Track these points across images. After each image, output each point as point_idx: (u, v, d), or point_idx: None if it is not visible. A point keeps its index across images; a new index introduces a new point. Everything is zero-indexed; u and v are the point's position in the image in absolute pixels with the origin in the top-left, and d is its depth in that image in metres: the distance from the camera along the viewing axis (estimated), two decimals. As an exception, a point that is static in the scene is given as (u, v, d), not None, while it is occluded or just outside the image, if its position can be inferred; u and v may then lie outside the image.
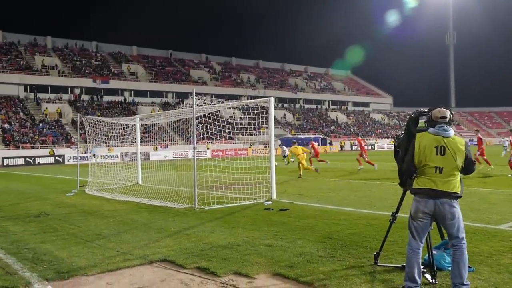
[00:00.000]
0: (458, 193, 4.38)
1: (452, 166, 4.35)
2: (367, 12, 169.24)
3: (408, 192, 5.11)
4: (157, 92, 76.07)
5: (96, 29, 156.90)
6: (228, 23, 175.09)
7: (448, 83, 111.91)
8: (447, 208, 4.35)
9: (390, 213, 5.47)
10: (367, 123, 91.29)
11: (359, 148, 24.01)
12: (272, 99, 11.87)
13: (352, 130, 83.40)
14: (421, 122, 4.73)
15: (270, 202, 11.33)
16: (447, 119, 4.44)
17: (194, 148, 10.84)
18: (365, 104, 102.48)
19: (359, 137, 27.52)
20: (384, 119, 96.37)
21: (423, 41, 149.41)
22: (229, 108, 14.09)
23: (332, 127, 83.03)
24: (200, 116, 12.20)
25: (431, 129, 4.44)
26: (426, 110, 4.67)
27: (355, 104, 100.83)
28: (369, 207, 10.18)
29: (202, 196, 11.62)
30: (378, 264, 5.41)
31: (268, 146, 12.52)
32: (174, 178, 15.31)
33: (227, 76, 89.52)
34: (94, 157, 44.72)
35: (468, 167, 4.41)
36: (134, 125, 18.32)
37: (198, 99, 11.53)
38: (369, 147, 65.82)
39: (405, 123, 4.85)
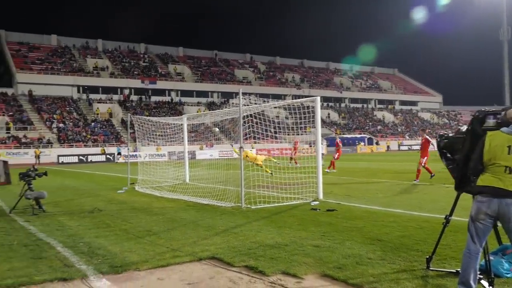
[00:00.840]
0: None
1: None
2: (416, 8, 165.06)
3: (463, 194, 4.97)
4: (203, 92, 77.26)
5: (144, 31, 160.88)
6: (272, 23, 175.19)
7: (501, 80, 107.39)
8: None
9: (443, 216, 5.32)
10: (415, 123, 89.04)
11: (336, 151, 23.99)
12: (318, 99, 11.79)
13: (399, 130, 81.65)
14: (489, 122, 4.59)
15: (317, 202, 11.26)
16: None
17: (241, 147, 10.92)
18: (413, 103, 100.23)
19: (338, 139, 26.47)
20: (433, 118, 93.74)
21: (474, 36, 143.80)
22: (274, 107, 14.07)
23: (379, 127, 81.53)
24: (246, 116, 12.28)
25: (505, 129, 4.28)
26: (493, 110, 4.58)
27: (403, 103, 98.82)
28: (419, 209, 9.93)
29: (248, 195, 11.69)
30: (431, 268, 5.27)
31: (314, 146, 12.45)
32: (221, 177, 15.50)
33: (271, 75, 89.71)
34: (120, 155, 46.31)
35: None
36: (181, 124, 18.66)
37: (244, 98, 11.62)
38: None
39: (469, 122, 4.77)
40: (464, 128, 5.19)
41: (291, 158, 24.83)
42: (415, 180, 16.23)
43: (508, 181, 4.17)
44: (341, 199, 11.97)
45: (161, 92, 73.67)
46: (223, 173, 15.44)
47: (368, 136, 70.21)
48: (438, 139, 5.55)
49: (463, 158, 4.66)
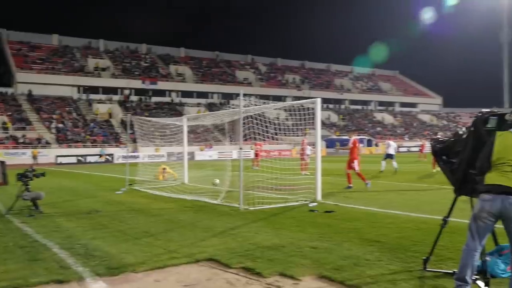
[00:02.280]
0: None
1: None
2: (415, 10, 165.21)
3: (461, 197, 4.99)
4: (203, 93, 77.31)
5: (146, 32, 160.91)
6: (273, 23, 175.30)
7: (501, 83, 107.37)
8: None
9: (440, 217, 5.31)
10: (415, 124, 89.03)
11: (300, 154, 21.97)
12: (319, 100, 11.78)
13: (399, 132, 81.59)
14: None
15: (315, 204, 11.25)
16: None
17: (240, 148, 10.91)
18: (413, 105, 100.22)
19: (305, 141, 21.84)
20: (432, 120, 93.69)
21: (474, 39, 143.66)
22: (274, 109, 14.07)
23: (378, 128, 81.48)
24: (246, 117, 12.27)
25: None
26: (495, 112, 4.66)
27: (403, 104, 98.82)
28: (417, 211, 9.92)
29: (247, 196, 11.67)
30: (428, 269, 5.26)
31: (314, 147, 12.43)
32: (219, 178, 15.47)
33: (272, 77, 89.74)
34: (100, 157, 46.13)
35: None
36: (181, 125, 18.66)
37: (245, 100, 11.61)
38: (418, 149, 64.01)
39: (472, 123, 4.83)
40: (462, 130, 5.22)
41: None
42: (367, 184, 15.37)
43: None
44: (339, 200, 11.96)
45: (161, 92, 73.71)
46: (222, 174, 15.42)
47: (367, 138, 70.16)
48: (433, 144, 5.57)
49: (466, 158, 4.74)
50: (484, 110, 4.82)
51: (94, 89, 68.82)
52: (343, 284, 4.96)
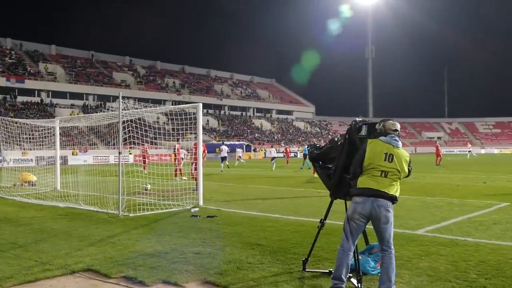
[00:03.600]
0: (396, 196, 4.69)
1: (396, 174, 4.66)
2: (293, 23, 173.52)
3: (336, 201, 5.34)
4: (77, 94, 72.97)
5: (11, 25, 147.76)
6: (152, 24, 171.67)
7: (367, 94, 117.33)
8: (383, 212, 4.61)
9: (317, 220, 5.62)
10: (291, 131, 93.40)
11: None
12: (200, 105, 11.79)
13: (276, 138, 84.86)
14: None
15: (197, 209, 11.22)
16: (398, 132, 4.82)
17: (119, 153, 10.49)
18: (289, 112, 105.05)
19: (178, 146, 19.81)
20: (306, 127, 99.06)
21: (345, 54, 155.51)
22: (156, 113, 13.76)
23: (257, 134, 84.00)
24: (125, 121, 11.82)
25: (383, 138, 4.75)
26: (367, 121, 5.11)
27: (279, 112, 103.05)
28: (295, 214, 10.38)
29: (126, 202, 11.27)
30: (307, 270, 5.52)
31: (191, 152, 12.41)
32: (96, 183, 14.71)
33: (151, 80, 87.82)
34: (2, 161, 42.15)
35: (404, 178, 4.83)
36: (52, 127, 17.39)
37: (124, 102, 11.19)
38: (293, 154, 67.23)
39: (346, 131, 5.18)
40: (337, 137, 5.58)
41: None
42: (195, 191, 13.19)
43: (382, 184, 4.64)
44: (221, 205, 12.07)
45: (29, 92, 67.96)
46: (99, 179, 14.69)
47: (246, 143, 71.89)
48: (310, 149, 5.90)
49: (341, 164, 5.07)
50: (357, 119, 5.26)
51: None
52: (227, 288, 5.00)
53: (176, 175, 18.15)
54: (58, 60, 78.73)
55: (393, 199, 4.67)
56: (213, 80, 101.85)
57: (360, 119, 5.27)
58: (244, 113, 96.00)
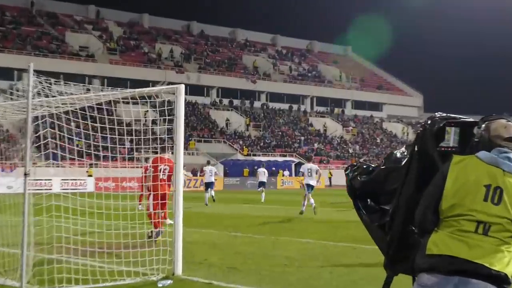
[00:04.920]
0: (507, 275, 2.22)
1: (508, 228, 2.27)
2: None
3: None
4: (3, 70, 44.84)
5: None
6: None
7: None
8: None
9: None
10: (379, 139, 58.16)
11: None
12: (182, 87, 6.43)
13: (352, 150, 53.85)
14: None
15: (169, 282, 6.24)
16: None
17: (25, 174, 5.54)
18: (376, 106, 66.37)
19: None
20: (407, 132, 62.21)
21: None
22: (127, 103, 7.96)
23: (317, 144, 53.57)
24: (41, 116, 6.65)
25: (483, 154, 2.38)
26: (460, 117, 2.66)
27: (359, 105, 66.71)
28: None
29: (40, 265, 6.32)
30: None
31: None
32: None
33: (133, 46, 57.91)
34: None
35: None
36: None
37: (40, 82, 6.10)
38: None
39: (414, 139, 2.75)
40: (400, 151, 2.91)
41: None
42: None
43: (480, 248, 2.28)
44: (218, 276, 6.88)
45: None
46: None
47: (297, 161, 45.12)
48: (350, 175, 3.10)
49: (405, 204, 2.62)
50: (437, 114, 2.69)
51: None
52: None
53: (141, 200, 11.94)
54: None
55: (501, 280, 2.24)
56: (240, 47, 65.17)
57: (443, 114, 2.65)
58: (294, 107, 60.65)
